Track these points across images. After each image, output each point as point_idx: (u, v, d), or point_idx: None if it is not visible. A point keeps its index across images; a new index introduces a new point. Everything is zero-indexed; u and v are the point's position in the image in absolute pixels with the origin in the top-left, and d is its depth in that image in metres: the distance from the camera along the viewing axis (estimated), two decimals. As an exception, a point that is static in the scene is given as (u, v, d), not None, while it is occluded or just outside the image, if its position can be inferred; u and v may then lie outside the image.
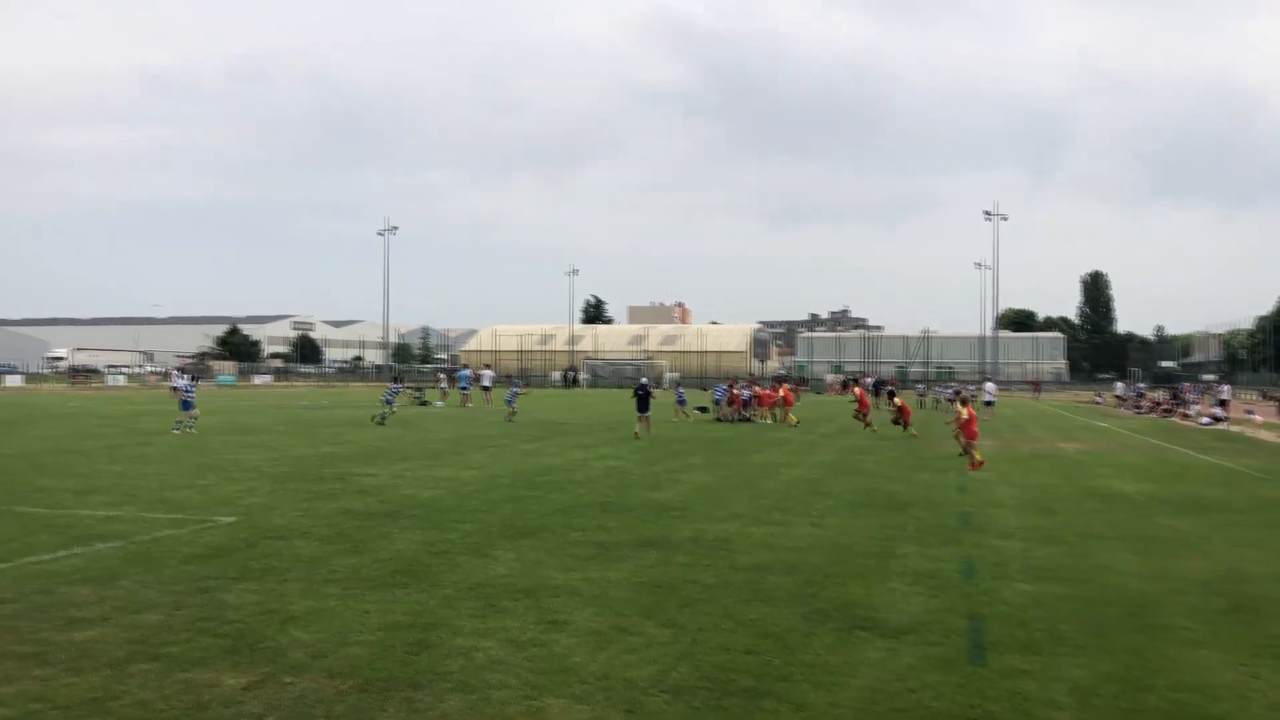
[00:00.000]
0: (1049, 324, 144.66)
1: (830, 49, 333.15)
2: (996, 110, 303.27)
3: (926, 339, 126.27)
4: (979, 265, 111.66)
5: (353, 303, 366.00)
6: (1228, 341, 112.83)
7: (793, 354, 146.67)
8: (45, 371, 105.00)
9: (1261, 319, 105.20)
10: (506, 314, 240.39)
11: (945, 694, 6.61)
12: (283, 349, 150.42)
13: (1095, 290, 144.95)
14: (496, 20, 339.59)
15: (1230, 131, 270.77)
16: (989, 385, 52.05)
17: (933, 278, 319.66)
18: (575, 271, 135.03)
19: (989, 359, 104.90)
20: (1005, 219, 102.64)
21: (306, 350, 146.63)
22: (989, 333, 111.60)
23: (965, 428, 22.71)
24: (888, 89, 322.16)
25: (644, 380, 33.98)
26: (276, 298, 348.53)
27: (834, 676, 6.96)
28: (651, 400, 31.47)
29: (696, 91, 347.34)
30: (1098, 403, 72.21)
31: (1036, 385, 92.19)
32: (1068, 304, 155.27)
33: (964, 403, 23.18)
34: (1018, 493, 17.85)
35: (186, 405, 30.46)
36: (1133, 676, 7.07)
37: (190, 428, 29.14)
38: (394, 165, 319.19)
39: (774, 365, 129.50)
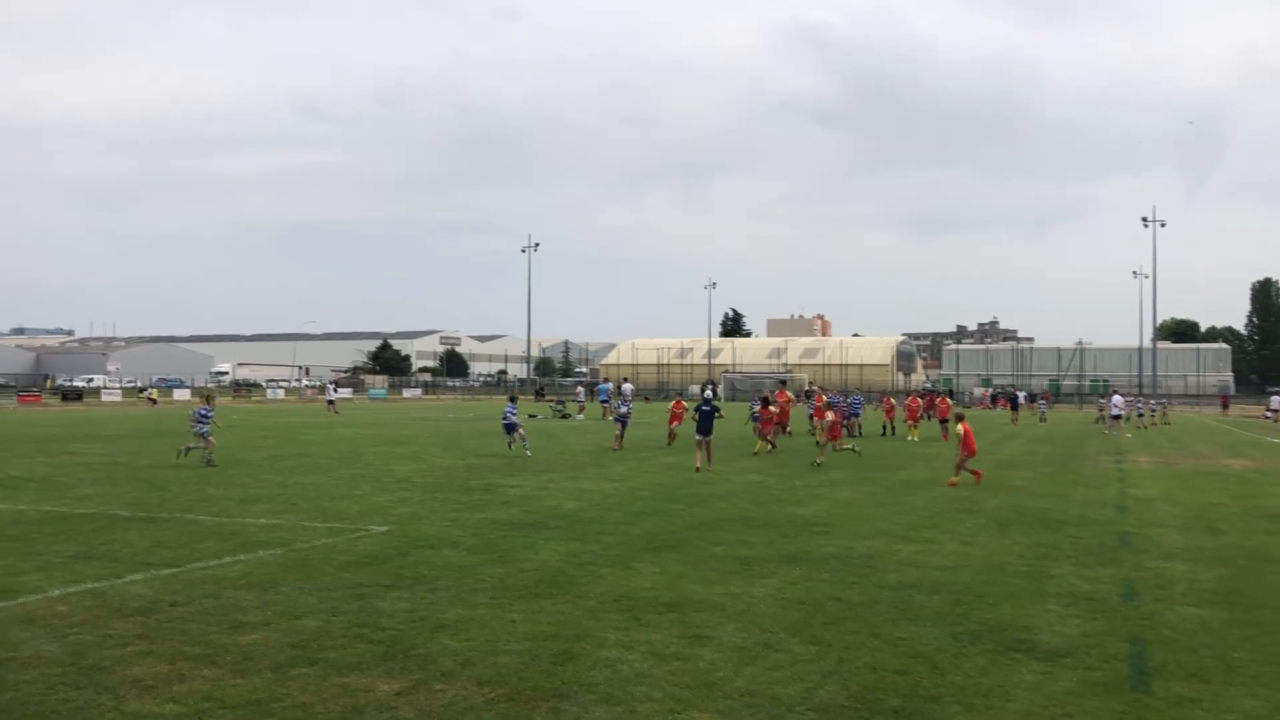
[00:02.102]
0: (1212, 335, 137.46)
1: (970, 53, 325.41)
2: (1149, 112, 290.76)
3: (1080, 351, 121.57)
4: (1136, 274, 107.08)
5: (497, 317, 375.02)
6: None
7: (938, 367, 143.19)
8: (210, 385, 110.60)
9: None
10: (644, 328, 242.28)
11: (1106, 721, 6.33)
12: (430, 363, 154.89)
13: (1265, 298, 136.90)
14: (630, 36, 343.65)
15: None
16: (1116, 398, 49.95)
17: (1084, 287, 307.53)
18: (713, 285, 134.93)
19: (1147, 371, 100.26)
20: (1164, 225, 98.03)
21: (453, 364, 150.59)
22: (1147, 344, 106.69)
23: (963, 443, 20.54)
24: (1032, 93, 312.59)
25: (709, 394, 27.19)
26: (424, 313, 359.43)
27: (987, 699, 6.74)
28: (718, 419, 23.69)
29: (832, 100, 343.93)
30: (1267, 418, 68.13)
31: (1225, 400, 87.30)
32: (1232, 314, 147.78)
33: (959, 419, 21.27)
34: (1181, 511, 16.98)
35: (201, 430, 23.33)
36: (1314, 709, 6.63)
37: (206, 456, 22.84)
38: (533, 182, 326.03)
39: (919, 378, 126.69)
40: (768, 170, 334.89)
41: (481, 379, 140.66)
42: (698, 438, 22.99)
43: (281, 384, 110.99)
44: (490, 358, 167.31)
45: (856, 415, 36.91)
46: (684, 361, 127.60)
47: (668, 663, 7.48)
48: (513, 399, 28.09)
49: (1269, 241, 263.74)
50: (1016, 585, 10.55)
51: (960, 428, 20.59)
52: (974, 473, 20.70)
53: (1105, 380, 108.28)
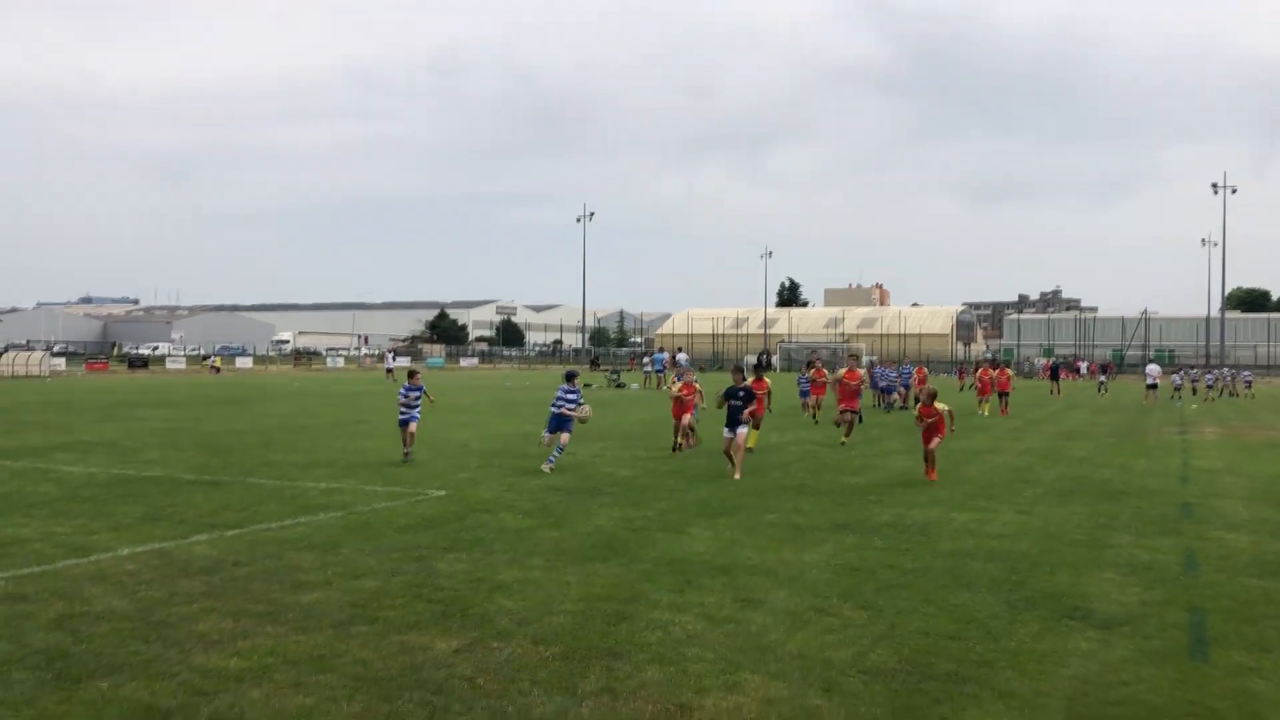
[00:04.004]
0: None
1: (1033, 15, 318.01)
2: (1219, 75, 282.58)
3: (1145, 320, 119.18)
4: (1205, 241, 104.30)
5: (553, 287, 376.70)
6: None
7: (999, 337, 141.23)
8: (271, 354, 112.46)
9: None
10: (700, 298, 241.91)
11: (1162, 689, 6.27)
12: (487, 332, 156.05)
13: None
14: (684, 3, 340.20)
15: None
16: (1152, 368, 48.97)
17: (1150, 256, 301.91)
18: (769, 254, 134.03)
19: (1215, 341, 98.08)
20: (1234, 191, 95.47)
21: (509, 334, 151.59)
22: (1215, 313, 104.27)
23: (934, 428, 16.30)
24: (1097, 56, 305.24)
25: (744, 375, 18.41)
26: (481, 284, 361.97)
27: (1041, 665, 6.71)
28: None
29: (889, 67, 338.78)
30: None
31: None
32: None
33: (932, 397, 16.59)
34: (1247, 483, 16.66)
35: None
36: (1379, 681, 6.51)
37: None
38: (589, 152, 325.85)
39: (979, 348, 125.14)
40: (825, 139, 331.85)
41: (537, 349, 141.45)
42: (726, 434, 16.56)
43: (341, 352, 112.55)
44: (546, 327, 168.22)
45: (907, 386, 36.15)
46: (739, 331, 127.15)
47: (720, 625, 7.54)
48: (571, 376, 17.76)
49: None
50: (1074, 554, 10.45)
51: (940, 407, 16.40)
52: (929, 470, 16.24)
53: (1172, 351, 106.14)
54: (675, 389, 20.85)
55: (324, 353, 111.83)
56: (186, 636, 7.03)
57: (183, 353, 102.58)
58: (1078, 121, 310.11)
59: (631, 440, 22.52)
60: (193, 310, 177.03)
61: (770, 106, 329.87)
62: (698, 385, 21.06)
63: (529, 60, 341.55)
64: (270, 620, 7.48)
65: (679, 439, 20.09)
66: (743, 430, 16.61)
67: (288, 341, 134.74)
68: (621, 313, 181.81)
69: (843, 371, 25.44)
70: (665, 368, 53.20)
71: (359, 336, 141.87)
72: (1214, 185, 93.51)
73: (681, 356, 56.19)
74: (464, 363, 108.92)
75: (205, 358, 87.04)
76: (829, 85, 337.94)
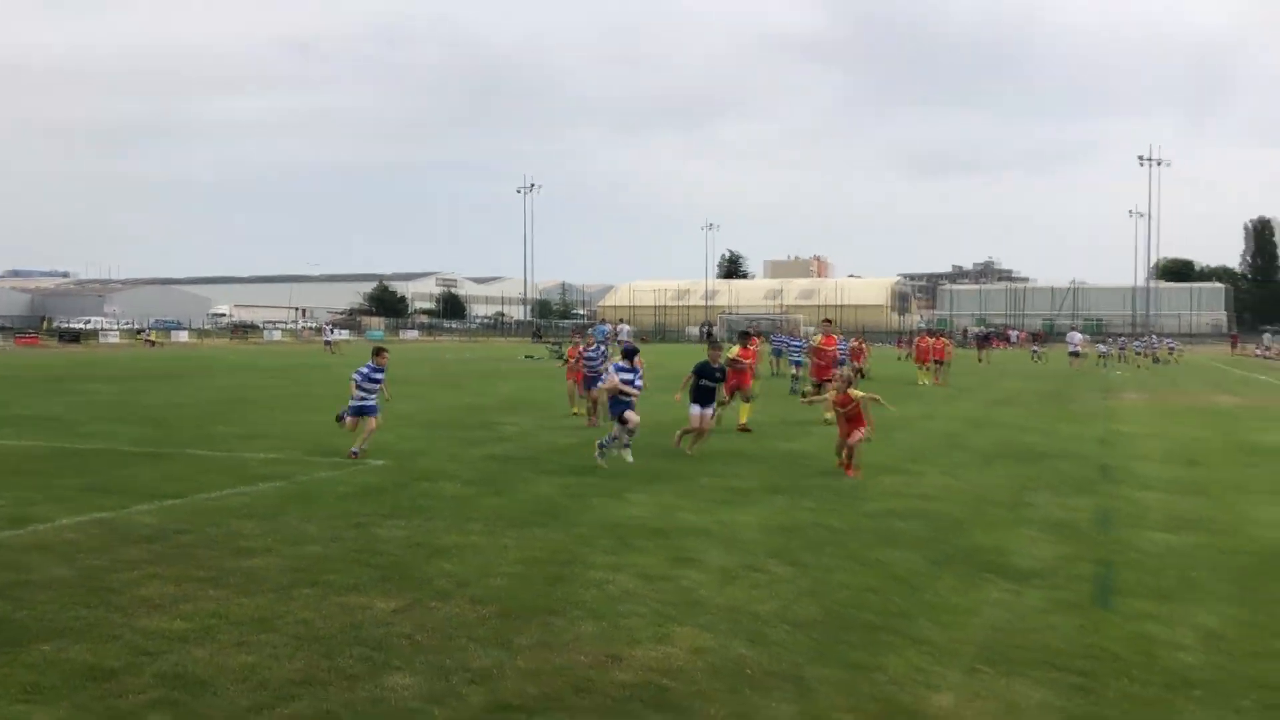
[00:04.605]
0: (1208, 274, 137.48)
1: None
2: (1153, 52, 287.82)
3: (1074, 290, 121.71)
4: (1132, 213, 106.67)
5: (495, 260, 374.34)
6: None
7: (934, 307, 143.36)
8: (209, 327, 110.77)
9: None
10: (643, 270, 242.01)
11: (1066, 634, 6.68)
12: (428, 305, 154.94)
13: (1261, 238, 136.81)
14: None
15: None
16: (1074, 336, 50.59)
17: (1084, 228, 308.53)
18: (711, 226, 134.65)
19: (1141, 310, 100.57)
20: (1159, 164, 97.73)
21: (451, 306, 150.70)
22: (1142, 283, 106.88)
23: (854, 419, 13.58)
24: (1035, 31, 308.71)
25: (721, 349, 17.16)
26: (422, 255, 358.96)
27: (956, 616, 7.10)
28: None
29: (830, 38, 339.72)
30: (1260, 355, 68.64)
31: (1235, 340, 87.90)
32: (1231, 253, 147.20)
33: (848, 383, 14.13)
34: (1164, 445, 17.36)
35: None
36: (1264, 622, 7.00)
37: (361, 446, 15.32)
38: (532, 124, 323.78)
39: (915, 318, 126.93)
40: (767, 111, 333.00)
41: (479, 321, 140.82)
42: (694, 411, 15.35)
43: (279, 326, 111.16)
44: (488, 300, 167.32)
45: (843, 362, 36.10)
46: (682, 304, 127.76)
47: (654, 583, 7.83)
48: (630, 353, 15.16)
49: (1267, 181, 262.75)
50: (995, 514, 10.91)
51: (857, 394, 13.81)
52: (846, 464, 13.54)
53: (1100, 319, 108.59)
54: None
55: (261, 326, 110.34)
56: (130, 601, 7.15)
57: (116, 327, 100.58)
58: (1014, 96, 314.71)
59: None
60: (126, 283, 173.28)
61: (713, 79, 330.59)
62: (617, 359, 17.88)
63: (471, 31, 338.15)
64: (213, 584, 7.61)
65: (577, 409, 20.61)
66: (709, 411, 15.58)
67: (225, 315, 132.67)
68: (564, 285, 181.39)
69: (819, 339, 24.04)
70: (608, 340, 53.45)
71: (297, 309, 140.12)
72: (1140, 158, 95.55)
73: (624, 328, 56.45)
74: (404, 335, 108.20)
75: (139, 331, 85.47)
76: (772, 57, 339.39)
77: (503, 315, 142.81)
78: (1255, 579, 8.24)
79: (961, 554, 8.94)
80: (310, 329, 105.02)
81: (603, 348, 20.69)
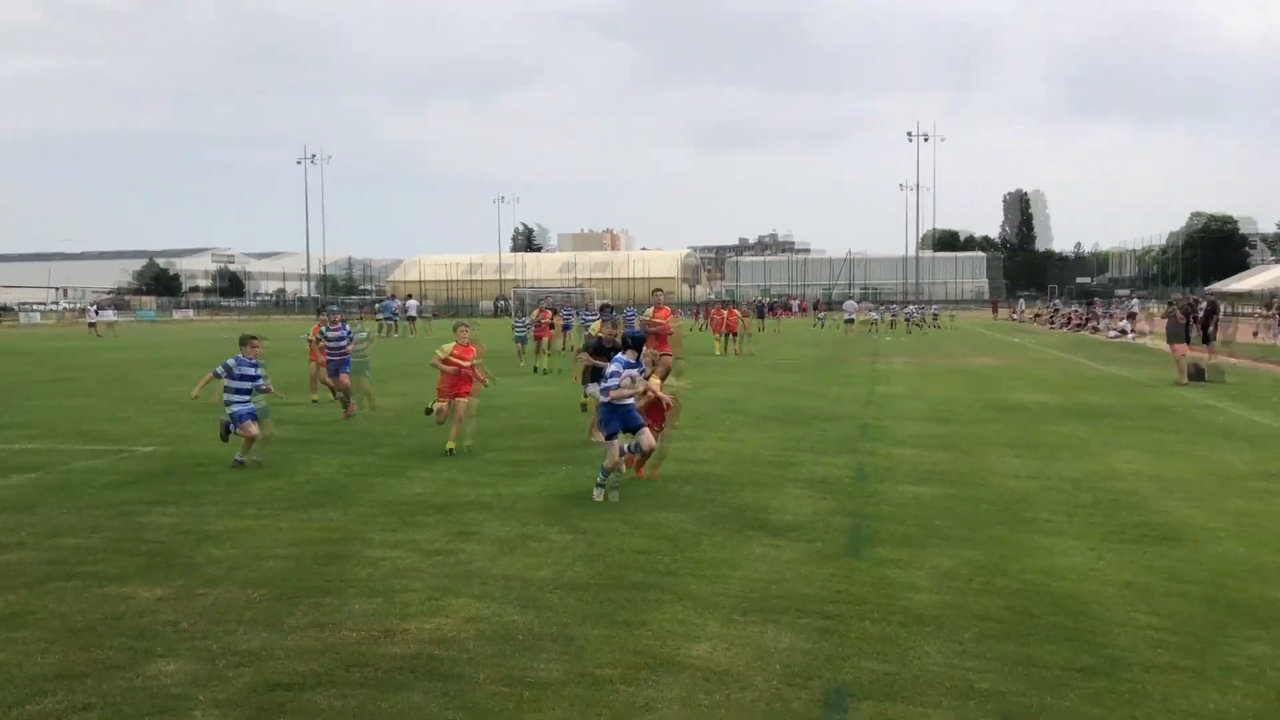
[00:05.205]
0: (972, 243, 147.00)
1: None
2: (926, 29, 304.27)
3: (851, 261, 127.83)
4: (903, 186, 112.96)
5: (277, 234, 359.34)
6: (1141, 258, 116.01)
7: (722, 279, 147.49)
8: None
9: (1173, 235, 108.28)
10: (435, 244, 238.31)
11: (817, 582, 7.20)
12: (204, 282, 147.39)
13: (1018, 209, 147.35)
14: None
15: (1148, 51, 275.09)
16: (848, 304, 53.88)
17: (865, 200, 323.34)
18: (503, 199, 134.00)
19: (913, 279, 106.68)
20: (927, 139, 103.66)
21: (230, 284, 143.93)
22: (912, 253, 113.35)
23: (652, 410, 10.97)
24: (816, 8, 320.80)
25: (617, 324, 14.99)
26: (196, 230, 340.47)
27: (718, 570, 7.52)
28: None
29: (620, 11, 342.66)
30: (1013, 319, 74.20)
31: (995, 305, 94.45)
32: (995, 224, 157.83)
33: (654, 364, 12.69)
34: (922, 405, 18.63)
35: None
36: (991, 562, 7.73)
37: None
38: (314, 92, 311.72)
39: (704, 290, 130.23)
40: (558, 82, 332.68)
41: (260, 298, 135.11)
42: (594, 389, 12.98)
43: (38, 307, 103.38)
44: (268, 276, 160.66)
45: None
46: (474, 278, 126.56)
47: (431, 558, 7.91)
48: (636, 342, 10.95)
49: (1026, 155, 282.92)
50: (763, 474, 11.51)
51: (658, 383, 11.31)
52: (637, 467, 11.07)
53: (876, 288, 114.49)
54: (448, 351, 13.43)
55: (16, 308, 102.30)
56: None
57: None
58: (798, 71, 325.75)
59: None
60: None
61: (502, 48, 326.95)
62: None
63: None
64: (-43, 584, 7.19)
65: (316, 396, 18.81)
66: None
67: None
68: (350, 260, 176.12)
69: (650, 311, 21.49)
70: (395, 315, 52.46)
71: (58, 289, 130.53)
72: (909, 134, 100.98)
73: (411, 304, 55.54)
74: (178, 315, 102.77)
75: None
76: (560, 28, 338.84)
77: (285, 292, 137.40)
78: (989, 524, 9.06)
79: (729, 513, 9.42)
80: (73, 310, 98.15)
81: (347, 327, 17.77)
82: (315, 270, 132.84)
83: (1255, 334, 42.30)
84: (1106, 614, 6.54)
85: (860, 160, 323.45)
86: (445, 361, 13.26)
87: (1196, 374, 22.64)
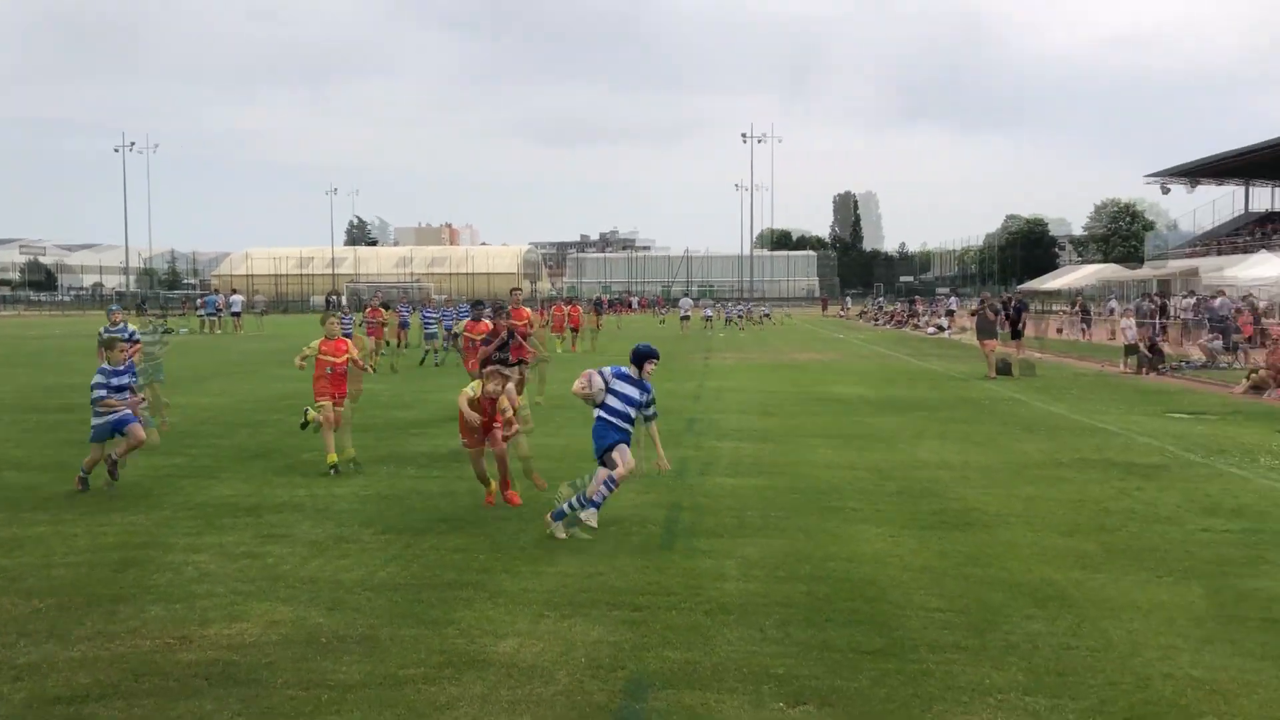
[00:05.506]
0: (804, 243, 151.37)
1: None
2: (762, 32, 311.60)
3: (689, 258, 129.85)
4: (738, 186, 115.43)
5: (94, 226, 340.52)
6: (961, 258, 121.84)
7: (563, 275, 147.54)
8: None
9: (990, 236, 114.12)
10: (270, 237, 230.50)
11: (628, 574, 7.30)
12: (10, 275, 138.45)
13: (845, 209, 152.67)
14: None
15: (967, 62, 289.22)
16: (684, 301, 55.33)
17: (707, 198, 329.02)
18: (336, 190, 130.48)
19: (748, 277, 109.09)
20: (760, 141, 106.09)
21: (41, 277, 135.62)
22: (747, 252, 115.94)
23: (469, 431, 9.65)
24: (656, 5, 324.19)
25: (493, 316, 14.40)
26: (3, 222, 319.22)
27: (533, 566, 7.54)
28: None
29: (462, 4, 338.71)
30: (841, 316, 76.83)
31: (824, 302, 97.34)
32: (825, 224, 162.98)
33: (485, 368, 10.77)
34: (745, 398, 19.09)
35: None
36: (797, 551, 8.00)
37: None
38: (137, 77, 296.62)
39: (545, 286, 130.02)
40: (399, 74, 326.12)
41: (74, 293, 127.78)
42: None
43: None
44: (84, 269, 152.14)
45: (449, 328, 35.20)
46: (304, 272, 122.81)
47: (236, 561, 7.66)
48: (647, 357, 9.46)
49: (856, 157, 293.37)
50: (584, 469, 11.53)
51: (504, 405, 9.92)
52: (488, 488, 9.84)
53: (712, 285, 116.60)
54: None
55: None
56: None
57: None
58: (641, 70, 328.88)
59: (173, 387, 21.37)
60: None
61: (342, 38, 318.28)
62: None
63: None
64: None
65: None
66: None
67: None
68: (173, 252, 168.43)
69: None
70: (219, 311, 50.51)
71: None
72: (743, 135, 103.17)
73: (236, 299, 53.55)
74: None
75: None
76: (399, 18, 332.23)
77: (102, 286, 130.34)
78: (799, 513, 9.36)
79: (545, 508, 9.41)
80: None
81: (130, 327, 15.40)
82: (136, 264, 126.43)
83: (1059, 330, 44.99)
84: (900, 598, 6.85)
85: (703, 159, 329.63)
86: (304, 358, 11.87)
87: (1004, 369, 23.92)
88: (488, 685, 5.35)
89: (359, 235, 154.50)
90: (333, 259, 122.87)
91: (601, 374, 9.04)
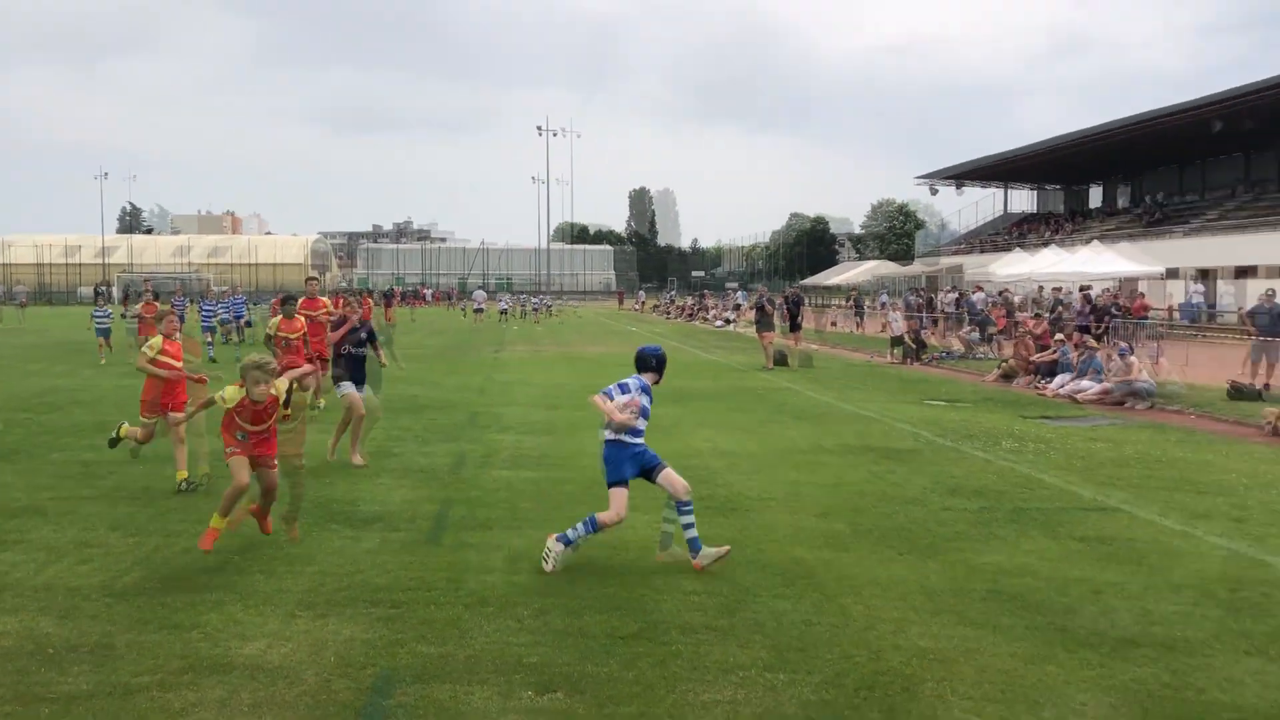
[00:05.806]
0: (601, 237, 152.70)
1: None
2: (560, 26, 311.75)
3: (485, 250, 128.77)
4: (535, 180, 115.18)
5: None
6: (748, 254, 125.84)
7: (354, 266, 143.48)
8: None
9: (776, 233, 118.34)
10: (31, 223, 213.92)
11: (391, 571, 7.20)
12: None
13: (640, 205, 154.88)
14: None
15: (760, 61, 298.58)
16: (478, 294, 55.71)
17: (507, 190, 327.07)
18: (106, 175, 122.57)
19: (544, 271, 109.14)
20: (556, 134, 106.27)
21: None
22: (544, 245, 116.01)
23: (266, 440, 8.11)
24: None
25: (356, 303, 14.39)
26: None
27: (291, 565, 7.32)
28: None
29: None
30: (635, 310, 78.04)
31: (620, 295, 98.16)
32: (621, 219, 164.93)
33: (260, 368, 7.81)
34: (531, 392, 19.13)
35: None
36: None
37: None
38: None
39: (334, 277, 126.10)
40: (174, 55, 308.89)
41: None
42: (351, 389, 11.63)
43: None
44: None
45: (240, 316, 34.11)
46: (71, 261, 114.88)
47: (-41, 572, 7.12)
48: (655, 362, 8.60)
49: (653, 154, 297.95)
50: (362, 467, 11.31)
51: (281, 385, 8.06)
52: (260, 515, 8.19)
53: (510, 278, 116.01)
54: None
55: None
56: None
57: None
58: (434, 59, 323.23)
59: (-93, 386, 19.61)
60: None
61: (105, 12, 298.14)
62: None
63: None
64: None
65: None
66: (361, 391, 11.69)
67: None
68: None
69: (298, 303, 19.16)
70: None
71: None
72: (539, 129, 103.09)
73: (20, 288, 49.52)
74: None
75: None
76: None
77: None
78: (570, 505, 9.43)
79: (313, 506, 9.16)
80: None
81: None
82: None
83: (833, 323, 47.13)
84: (657, 582, 7.04)
85: (502, 151, 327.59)
86: (153, 362, 10.19)
87: (781, 360, 24.89)
88: (228, 689, 5.17)
89: (133, 223, 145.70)
90: (103, 248, 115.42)
91: (643, 396, 8.05)
